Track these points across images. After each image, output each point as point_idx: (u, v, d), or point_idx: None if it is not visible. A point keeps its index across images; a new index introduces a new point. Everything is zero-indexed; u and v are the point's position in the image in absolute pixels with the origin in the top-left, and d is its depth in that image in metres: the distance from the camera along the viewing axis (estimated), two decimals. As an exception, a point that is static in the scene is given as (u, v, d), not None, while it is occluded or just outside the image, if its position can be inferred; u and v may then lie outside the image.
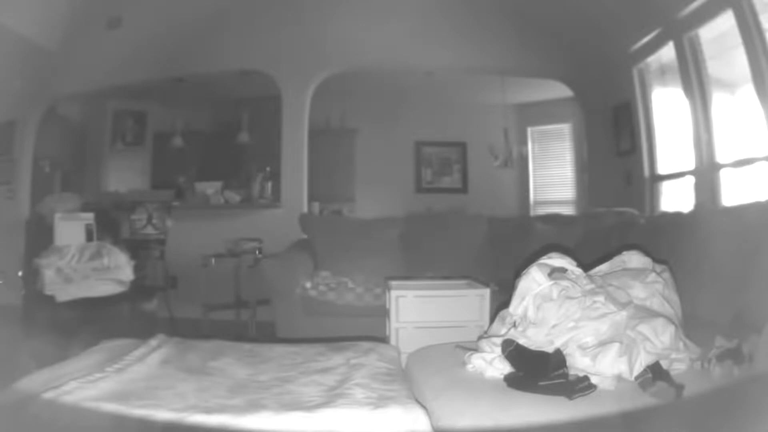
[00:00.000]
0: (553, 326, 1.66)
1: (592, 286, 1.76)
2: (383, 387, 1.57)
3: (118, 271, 3.73)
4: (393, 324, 2.65)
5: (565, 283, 1.73)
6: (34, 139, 5.33)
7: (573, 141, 7.39)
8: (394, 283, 2.85)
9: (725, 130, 3.77)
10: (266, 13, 5.03)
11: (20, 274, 3.91)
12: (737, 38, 3.32)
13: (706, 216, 2.68)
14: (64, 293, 3.49)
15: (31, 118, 5.29)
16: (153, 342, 1.99)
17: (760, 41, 3.19)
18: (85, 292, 3.54)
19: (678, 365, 1.60)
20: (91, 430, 1.37)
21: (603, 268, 1.98)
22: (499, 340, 1.70)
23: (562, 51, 5.17)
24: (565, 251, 1.91)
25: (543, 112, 7.48)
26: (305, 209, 5.21)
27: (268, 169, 5.38)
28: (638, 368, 1.52)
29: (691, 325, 1.81)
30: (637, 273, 1.87)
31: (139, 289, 4.02)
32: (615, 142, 4.98)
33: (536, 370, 1.55)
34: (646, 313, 1.70)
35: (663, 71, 4.48)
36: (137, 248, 4.28)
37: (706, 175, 3.88)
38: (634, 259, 1.97)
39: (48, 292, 3.48)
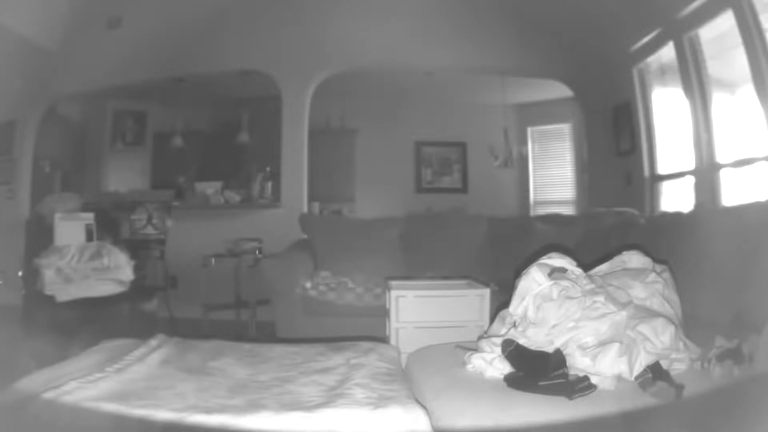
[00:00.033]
0: (553, 326, 1.66)
1: (592, 286, 1.76)
2: (383, 387, 1.57)
3: (118, 271, 3.73)
4: (393, 324, 2.65)
5: (565, 283, 1.73)
6: (34, 139, 5.33)
7: (573, 141, 7.38)
8: (394, 283, 2.85)
9: (725, 130, 3.77)
10: (266, 13, 5.03)
11: (20, 274, 3.91)
12: (737, 38, 3.32)
13: (706, 216, 2.68)
14: (64, 293, 3.49)
15: (31, 118, 5.29)
16: (153, 342, 1.99)
17: (760, 41, 3.19)
18: (85, 292, 3.54)
19: (678, 365, 1.60)
20: (91, 430, 1.37)
21: (603, 268, 1.98)
22: (499, 340, 1.70)
23: (562, 51, 5.17)
24: (565, 251, 1.91)
25: (543, 112, 7.47)
26: (305, 209, 5.21)
27: (268, 169, 5.38)
28: (638, 368, 1.52)
29: (691, 325, 1.81)
30: (637, 273, 1.87)
31: (139, 289, 4.02)
32: (615, 142, 4.98)
33: (536, 370, 1.55)
34: (646, 313, 1.70)
35: (663, 71, 4.47)
36: (137, 248, 4.28)
37: (706, 175, 3.88)
38: (634, 259, 1.97)
39: (48, 292, 3.48)
